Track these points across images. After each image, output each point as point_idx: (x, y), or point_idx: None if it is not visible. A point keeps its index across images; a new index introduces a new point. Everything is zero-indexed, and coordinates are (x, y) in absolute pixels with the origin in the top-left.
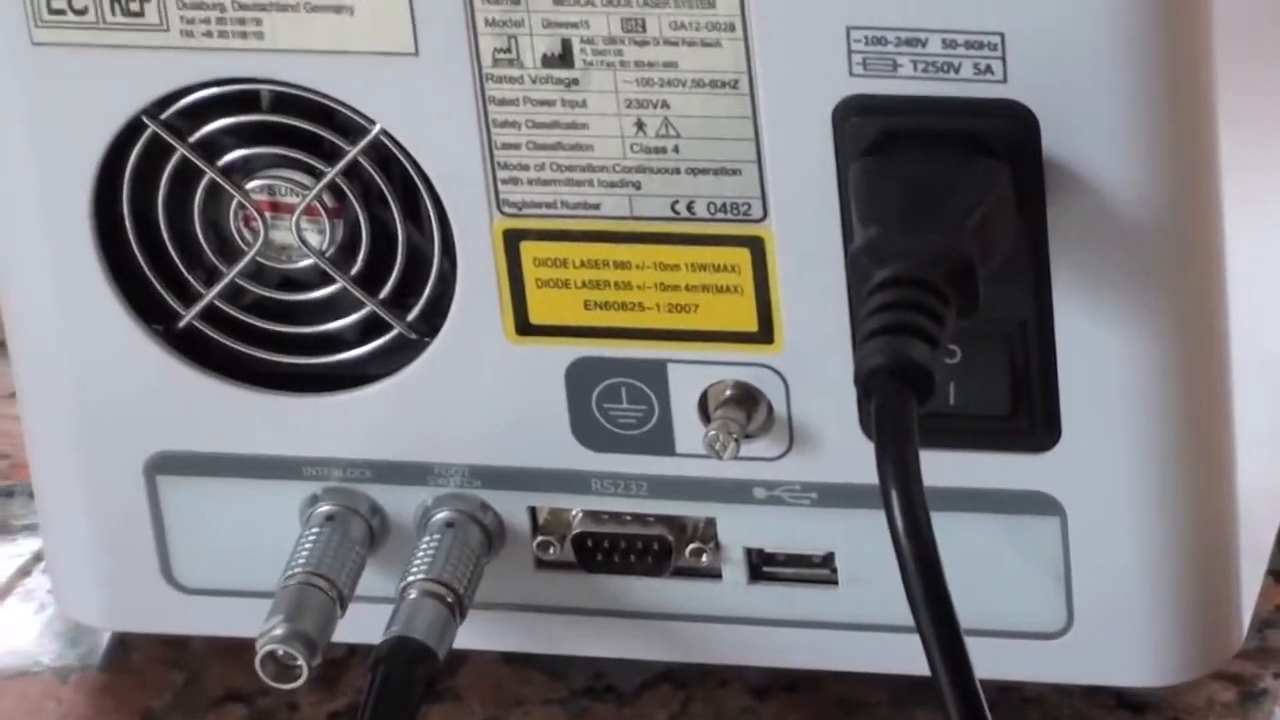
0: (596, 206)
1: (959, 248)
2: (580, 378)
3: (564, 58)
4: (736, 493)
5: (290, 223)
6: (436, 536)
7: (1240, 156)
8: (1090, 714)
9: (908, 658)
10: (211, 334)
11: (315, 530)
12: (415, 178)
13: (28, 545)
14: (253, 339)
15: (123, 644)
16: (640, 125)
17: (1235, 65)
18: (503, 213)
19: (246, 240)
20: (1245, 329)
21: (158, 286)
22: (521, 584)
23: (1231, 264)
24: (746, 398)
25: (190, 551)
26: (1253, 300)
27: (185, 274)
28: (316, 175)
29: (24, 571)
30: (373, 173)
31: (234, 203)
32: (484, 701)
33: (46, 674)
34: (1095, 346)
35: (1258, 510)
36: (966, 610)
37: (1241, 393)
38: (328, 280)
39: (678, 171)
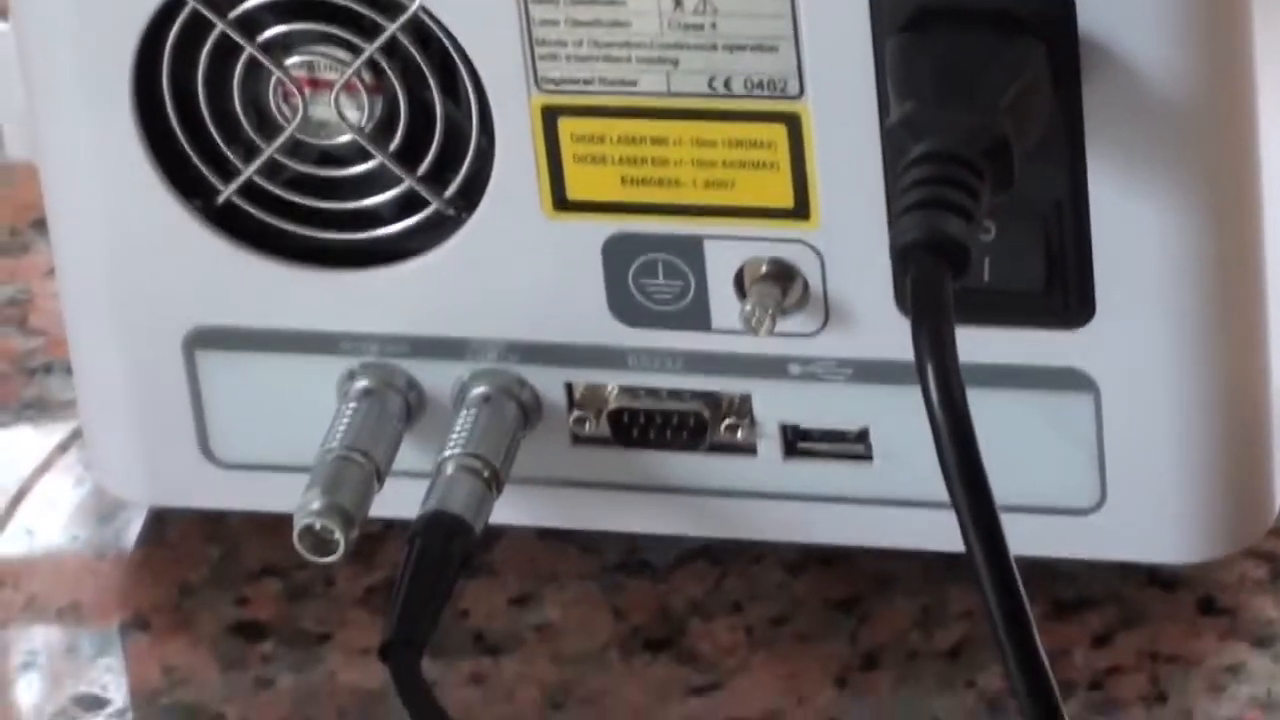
0: (634, 83)
1: (994, 124)
2: (617, 253)
3: None
4: (772, 369)
5: (329, 99)
6: (473, 411)
7: (1275, 41)
8: (1123, 590)
9: (942, 534)
10: (250, 209)
11: (352, 405)
12: (454, 54)
13: (66, 422)
14: (291, 214)
15: (160, 519)
16: (678, 2)
17: None
18: (540, 89)
19: (285, 116)
20: (1279, 209)
21: (197, 162)
22: (557, 459)
23: (1265, 145)
24: (782, 274)
25: (228, 426)
26: None
27: (224, 150)
28: (355, 52)
29: (62, 448)
30: (411, 49)
31: (273, 79)
32: (519, 576)
33: (84, 549)
34: (1130, 224)
35: None
36: (1000, 486)
37: (1275, 271)
38: (366, 156)
39: (715, 48)
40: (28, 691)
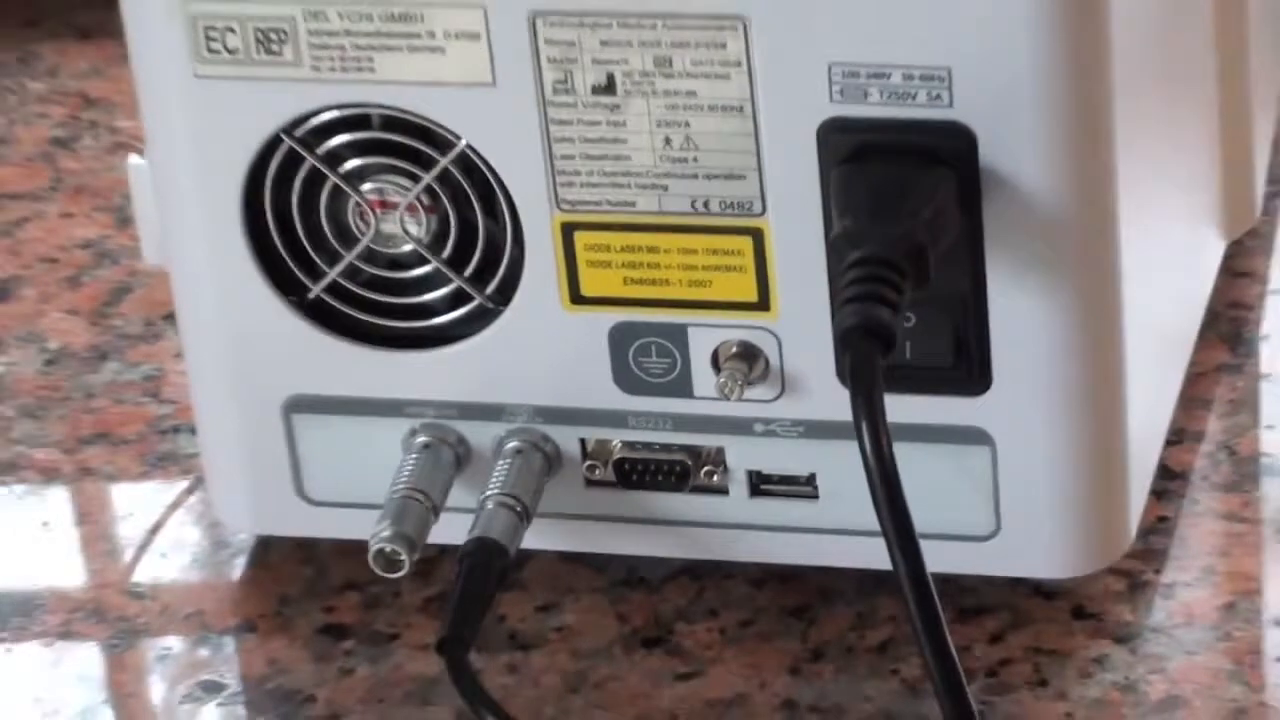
0: (633, 204)
1: (914, 236)
2: (620, 338)
3: (609, 88)
4: (740, 428)
5: (396, 217)
6: (508, 461)
7: (1131, 170)
8: (1013, 599)
9: (873, 555)
10: (334, 304)
11: (414, 456)
12: (493, 182)
13: (191, 472)
14: (365, 307)
15: (264, 545)
16: (668, 140)
17: (1128, 99)
18: (560, 209)
19: (361, 230)
20: (1135, 302)
21: (292, 266)
22: (573, 498)
23: (1125, 251)
24: (749, 353)
25: (317, 473)
26: (1141, 280)
27: (314, 257)
28: (416, 180)
29: (188, 491)
30: (459, 178)
31: (352, 201)
32: (544, 590)
33: (205, 570)
34: (1019, 314)
35: (1144, 443)
36: (919, 518)
37: (1132, 350)
38: (424, 261)
39: (696, 177)
40: (162, 679)
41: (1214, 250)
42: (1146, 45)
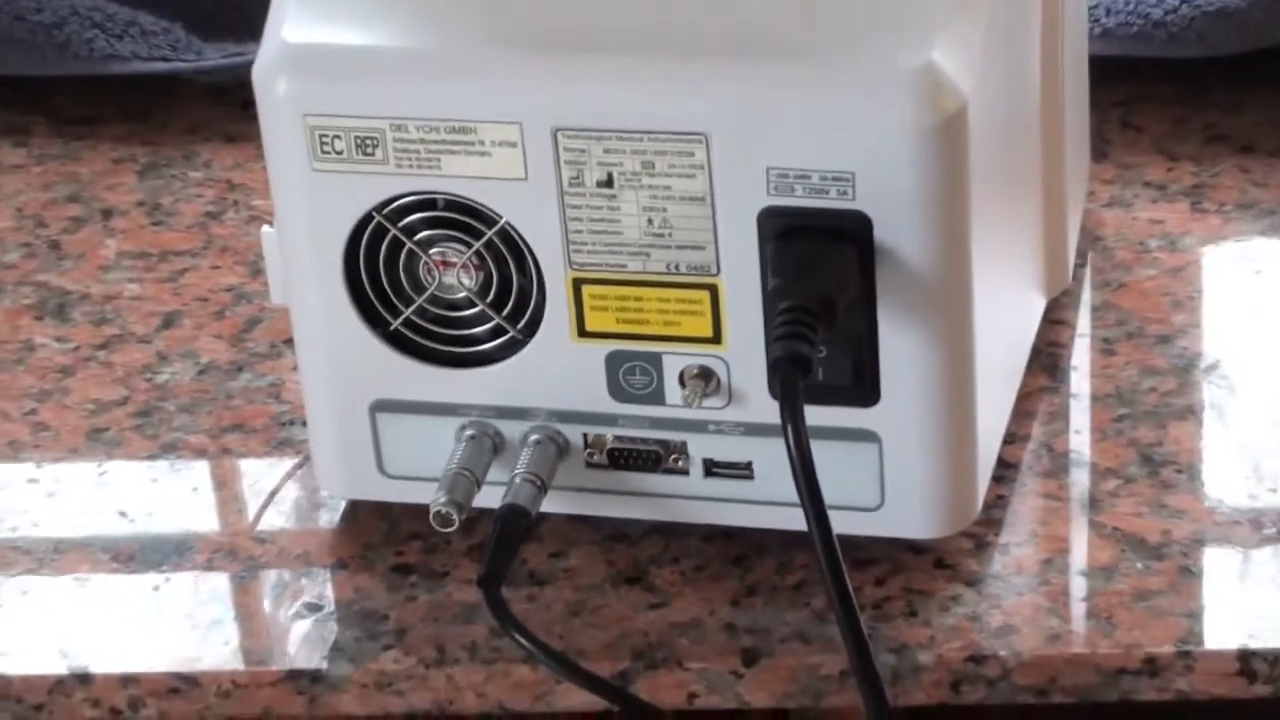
0: (625, 266)
1: (826, 292)
2: (613, 361)
3: (609, 183)
4: (699, 427)
5: (454, 272)
6: (531, 448)
7: (982, 245)
8: (893, 554)
9: (794, 520)
10: (408, 334)
11: (463, 444)
12: (524, 248)
13: (302, 453)
14: (430, 337)
15: (354, 506)
16: (650, 221)
17: (980, 195)
18: (573, 269)
19: (428, 281)
20: (983, 341)
21: (378, 306)
22: (577, 476)
23: (977, 305)
24: (706, 374)
25: (393, 454)
26: (988, 326)
27: (394, 299)
28: (469, 245)
29: (299, 466)
30: (499, 245)
31: (422, 260)
32: (555, 542)
33: (310, 522)
34: (901, 348)
35: (988, 442)
36: (826, 493)
37: (981, 376)
38: (473, 304)
39: (670, 247)
40: (278, 601)
41: (1038, 305)
42: (994, 156)
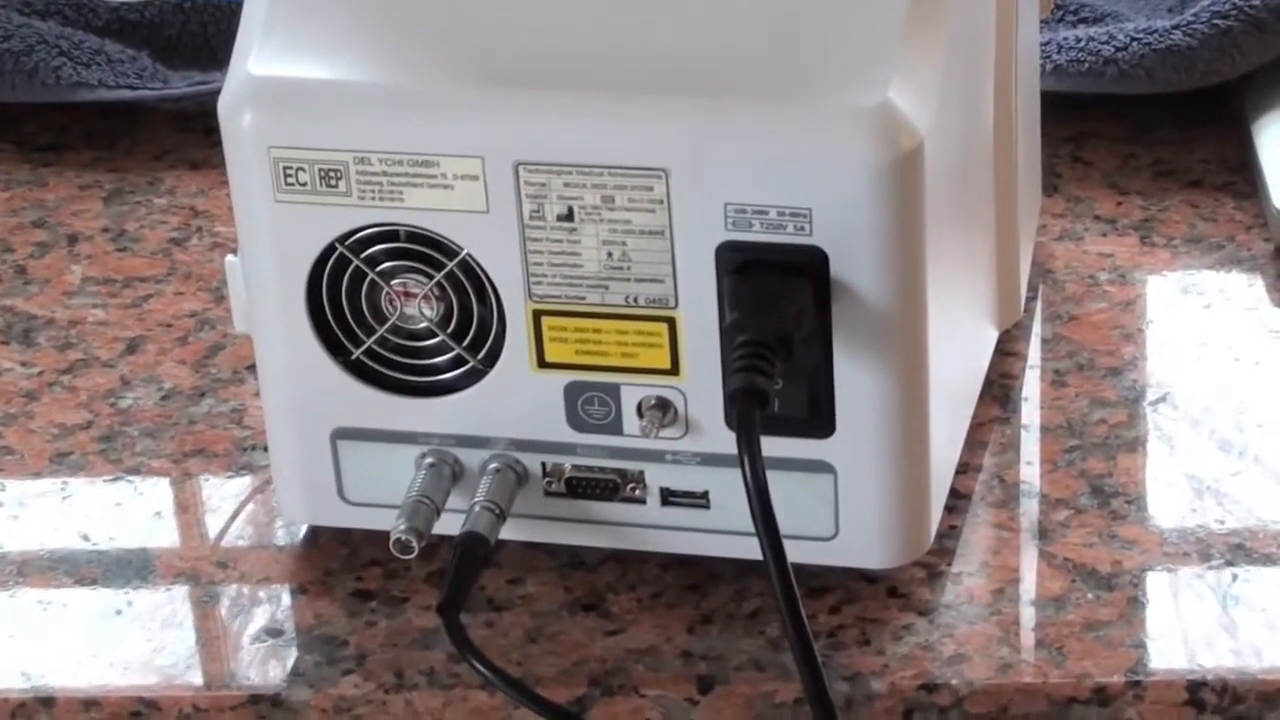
0: (584, 298)
1: (783, 325)
2: (572, 392)
3: (569, 216)
4: (656, 457)
5: (415, 303)
6: (490, 477)
7: (936, 280)
8: (847, 583)
9: (749, 549)
10: (369, 363)
11: (423, 472)
12: (485, 280)
13: (263, 477)
14: (392, 366)
15: (314, 532)
16: (609, 254)
17: (934, 231)
18: (533, 300)
19: (389, 311)
20: (937, 373)
21: (339, 335)
22: (536, 504)
23: (931, 338)
24: (663, 405)
25: (354, 481)
26: (941, 358)
27: (356, 329)
28: (430, 277)
29: (259, 490)
30: (461, 276)
31: (384, 291)
32: (514, 568)
33: (271, 547)
34: (856, 381)
35: (941, 473)
36: (781, 523)
37: (934, 407)
38: (434, 335)
39: (629, 280)
40: (239, 625)
41: (990, 337)
42: (949, 192)
